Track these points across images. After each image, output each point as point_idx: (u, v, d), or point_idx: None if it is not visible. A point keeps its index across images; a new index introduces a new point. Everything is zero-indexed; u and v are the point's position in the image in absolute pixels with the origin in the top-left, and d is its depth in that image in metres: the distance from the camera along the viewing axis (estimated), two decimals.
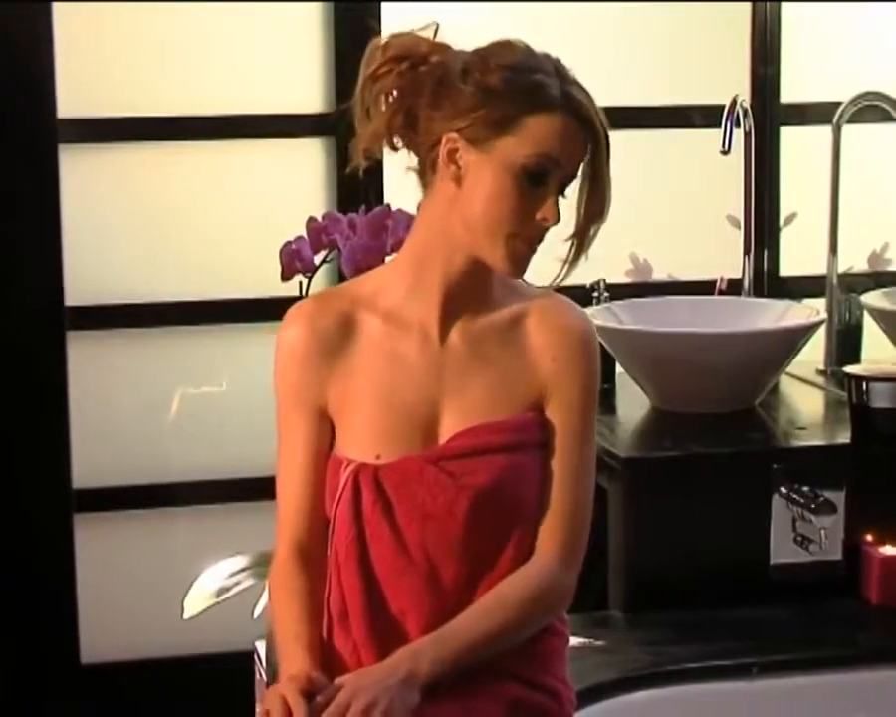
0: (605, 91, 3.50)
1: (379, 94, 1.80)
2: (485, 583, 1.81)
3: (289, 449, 1.86)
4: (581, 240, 1.82)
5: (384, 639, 1.79)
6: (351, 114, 1.83)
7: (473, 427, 1.82)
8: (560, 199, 1.79)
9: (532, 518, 1.84)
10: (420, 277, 1.84)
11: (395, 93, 1.80)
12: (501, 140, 1.75)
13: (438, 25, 1.81)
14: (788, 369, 2.94)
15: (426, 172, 1.82)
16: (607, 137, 1.79)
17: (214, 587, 2.31)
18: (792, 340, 2.82)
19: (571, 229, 1.81)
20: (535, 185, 1.76)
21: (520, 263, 1.80)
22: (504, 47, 1.79)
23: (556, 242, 1.82)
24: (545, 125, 1.75)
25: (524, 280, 1.96)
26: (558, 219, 1.78)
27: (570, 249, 1.82)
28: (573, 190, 1.80)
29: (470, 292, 1.84)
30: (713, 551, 2.60)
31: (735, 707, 2.38)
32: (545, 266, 1.86)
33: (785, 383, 3.04)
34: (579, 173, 1.79)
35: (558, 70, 1.78)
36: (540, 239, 1.80)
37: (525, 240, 1.78)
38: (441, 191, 1.80)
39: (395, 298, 1.85)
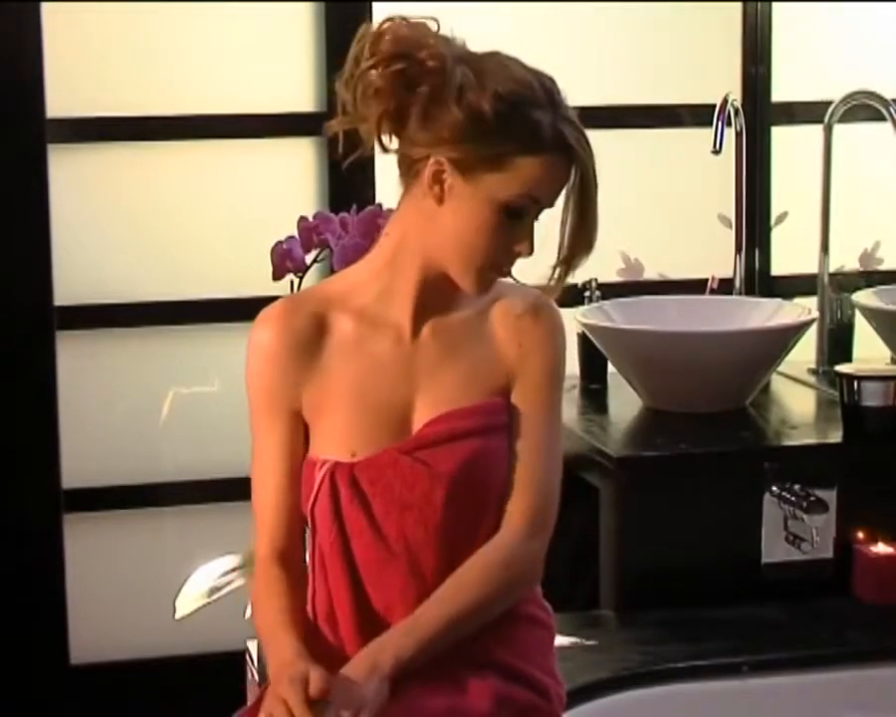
0: (597, 90, 3.51)
1: (367, 89, 1.76)
2: None
3: (264, 452, 1.86)
4: (567, 268, 1.80)
5: (371, 635, 1.79)
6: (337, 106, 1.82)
7: (442, 414, 1.82)
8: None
9: (504, 500, 1.84)
10: (393, 280, 1.83)
11: (381, 91, 1.75)
12: (488, 175, 1.73)
13: (438, 23, 1.76)
14: (780, 368, 2.94)
15: (408, 173, 1.79)
16: (594, 171, 1.76)
17: (206, 586, 2.30)
18: (784, 339, 2.82)
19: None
20: (514, 219, 1.76)
21: (488, 288, 1.82)
22: (501, 67, 1.74)
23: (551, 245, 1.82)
24: (535, 168, 1.73)
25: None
26: (532, 251, 1.78)
27: (555, 271, 1.80)
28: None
29: (441, 294, 1.84)
30: (704, 550, 2.60)
31: (726, 706, 2.38)
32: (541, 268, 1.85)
33: (777, 382, 3.04)
34: (567, 202, 1.77)
35: (552, 100, 1.74)
36: (512, 266, 1.81)
37: (497, 270, 1.80)
38: (422, 204, 1.78)
39: (367, 298, 1.84)
